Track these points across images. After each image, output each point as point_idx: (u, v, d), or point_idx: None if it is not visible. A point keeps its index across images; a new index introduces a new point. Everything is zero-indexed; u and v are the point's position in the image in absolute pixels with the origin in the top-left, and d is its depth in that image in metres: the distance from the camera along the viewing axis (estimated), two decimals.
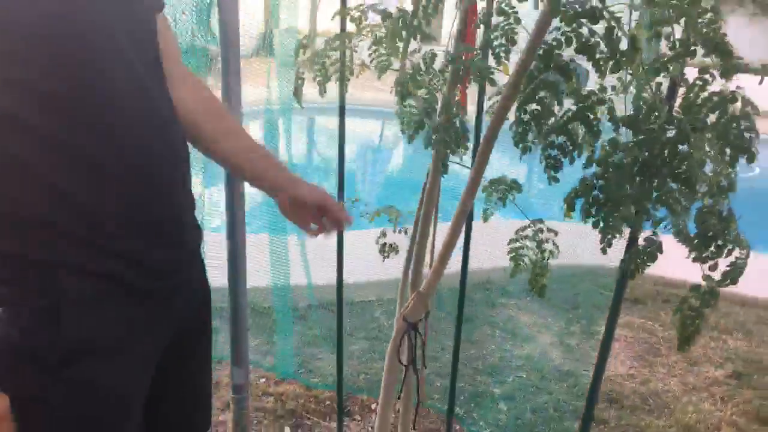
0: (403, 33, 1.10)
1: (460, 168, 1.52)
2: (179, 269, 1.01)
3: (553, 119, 0.95)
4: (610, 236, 1.06)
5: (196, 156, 1.11)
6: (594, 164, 0.99)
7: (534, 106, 0.93)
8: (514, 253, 1.48)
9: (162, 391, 1.07)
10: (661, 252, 1.04)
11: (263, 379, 2.50)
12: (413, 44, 1.30)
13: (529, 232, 1.47)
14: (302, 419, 2.29)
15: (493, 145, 1.27)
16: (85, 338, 0.89)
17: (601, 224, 1.04)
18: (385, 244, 1.55)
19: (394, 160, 7.31)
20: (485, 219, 1.60)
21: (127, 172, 0.88)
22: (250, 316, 2.82)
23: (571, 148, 0.98)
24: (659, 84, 0.99)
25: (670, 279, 3.56)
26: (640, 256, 1.03)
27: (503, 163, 1.99)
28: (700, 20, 0.89)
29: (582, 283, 3.55)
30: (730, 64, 0.87)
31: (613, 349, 2.94)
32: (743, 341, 3.06)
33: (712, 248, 1.00)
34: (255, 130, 2.08)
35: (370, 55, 1.42)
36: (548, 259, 1.48)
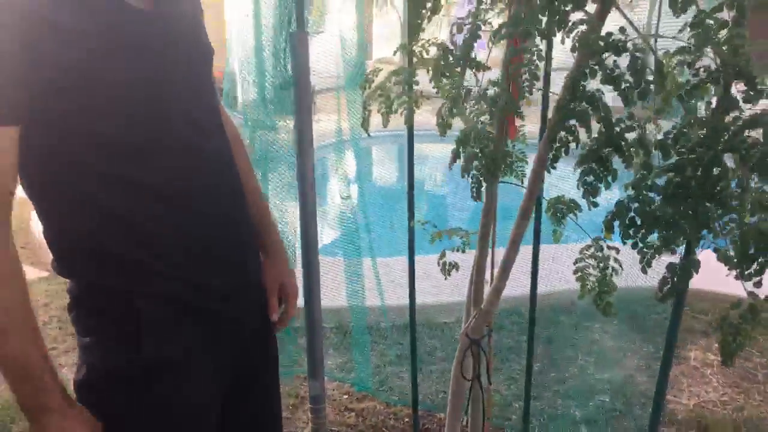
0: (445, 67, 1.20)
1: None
2: (243, 292, 1.14)
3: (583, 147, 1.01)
4: (648, 257, 1.10)
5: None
6: (629, 188, 1.04)
7: (563, 134, 1.00)
8: (580, 273, 1.52)
9: (232, 412, 1.19)
10: (697, 270, 1.06)
11: (345, 396, 2.63)
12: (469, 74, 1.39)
13: (592, 251, 1.50)
14: None
15: (544, 168, 1.33)
16: (163, 357, 1.02)
17: (640, 244, 1.08)
18: (445, 263, 1.63)
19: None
20: (556, 240, 1.65)
21: (193, 210, 1.02)
22: (333, 334, 2.97)
23: (605, 173, 1.03)
24: (696, 105, 1.03)
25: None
26: (675, 273, 1.05)
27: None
28: (725, 47, 0.93)
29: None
30: (755, 89, 0.90)
31: (705, 374, 2.84)
32: None
33: (755, 266, 1.01)
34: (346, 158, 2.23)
35: (432, 86, 1.53)
36: (611, 276, 1.51)
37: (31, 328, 0.92)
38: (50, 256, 1.02)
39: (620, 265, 1.48)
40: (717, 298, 3.43)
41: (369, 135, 1.74)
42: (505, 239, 1.52)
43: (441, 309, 3.23)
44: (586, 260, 1.51)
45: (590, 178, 1.05)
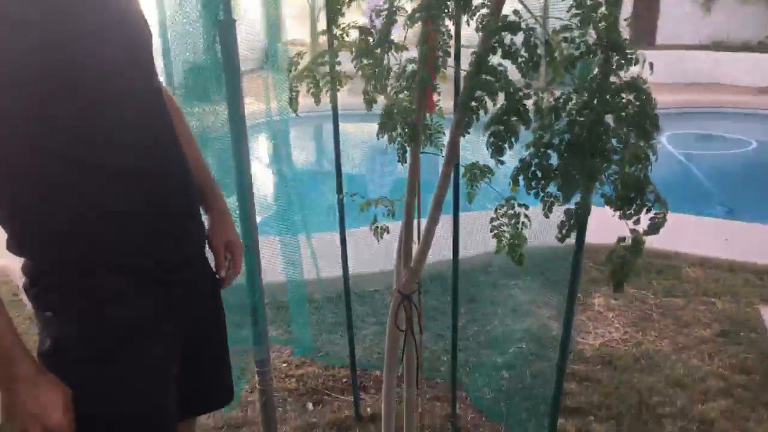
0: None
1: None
2: (192, 263, 1.24)
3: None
4: (549, 204, 1.30)
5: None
6: (530, 147, 1.23)
7: (473, 103, 1.17)
8: (495, 231, 1.71)
9: (189, 370, 1.27)
10: (588, 213, 1.27)
11: (284, 364, 2.76)
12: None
13: (505, 210, 1.70)
14: (322, 395, 2.54)
15: (459, 135, 1.51)
16: (127, 324, 1.10)
17: (541, 194, 1.28)
18: (377, 227, 1.80)
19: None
20: (469, 200, 1.84)
21: (145, 185, 1.10)
22: (271, 308, 3.08)
23: (508, 135, 1.22)
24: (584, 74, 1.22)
25: (661, 250, 3.76)
26: (572, 217, 1.26)
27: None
28: (600, 24, 1.13)
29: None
30: (626, 58, 1.10)
31: (607, 317, 3.16)
32: (731, 303, 3.26)
33: (633, 207, 1.24)
34: (263, 141, 2.33)
35: (354, 66, 1.66)
36: (521, 230, 1.71)
37: None
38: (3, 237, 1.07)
39: (529, 220, 1.70)
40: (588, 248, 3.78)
41: (297, 115, 1.86)
42: (428, 209, 1.70)
43: (370, 278, 3.41)
44: (500, 219, 1.71)
45: (497, 141, 1.23)
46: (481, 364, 2.78)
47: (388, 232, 1.80)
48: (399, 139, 1.42)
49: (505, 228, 1.70)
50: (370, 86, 1.38)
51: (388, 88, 1.55)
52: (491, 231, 1.70)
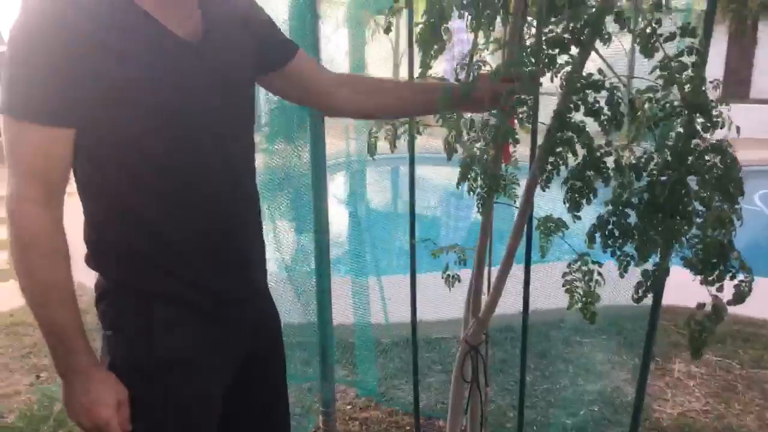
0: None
1: None
2: (247, 301, 1.25)
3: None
4: (625, 264, 1.27)
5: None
6: (608, 204, 1.22)
7: (552, 158, 1.18)
8: (568, 286, 1.68)
9: (240, 410, 1.29)
10: (666, 275, 1.23)
11: (349, 406, 2.76)
12: None
13: (578, 265, 1.67)
14: None
15: (534, 187, 1.51)
16: (173, 353, 1.13)
17: (618, 253, 1.25)
18: (449, 275, 1.80)
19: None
20: (542, 255, 1.82)
21: (208, 224, 1.14)
22: (338, 349, 3.11)
23: (587, 191, 1.21)
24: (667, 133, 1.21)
25: (749, 318, 3.54)
26: (649, 278, 1.22)
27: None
28: (686, 86, 1.12)
29: (660, 322, 3.58)
30: (711, 121, 1.08)
31: (688, 385, 2.99)
32: None
33: (716, 272, 1.19)
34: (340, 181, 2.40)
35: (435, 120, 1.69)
36: (595, 287, 1.67)
37: (71, 299, 1.04)
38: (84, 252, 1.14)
39: (602, 278, 1.65)
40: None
41: (374, 159, 1.92)
42: (499, 259, 1.69)
43: (439, 326, 3.38)
44: (574, 274, 1.68)
45: (575, 195, 1.22)
46: (549, 423, 2.68)
47: (459, 281, 1.80)
48: (479, 189, 1.44)
49: (578, 284, 1.66)
50: (451, 137, 1.41)
51: (465, 138, 1.57)
52: (563, 285, 1.67)
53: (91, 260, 1.15)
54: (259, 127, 2.20)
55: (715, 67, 12.74)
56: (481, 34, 1.44)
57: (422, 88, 1.45)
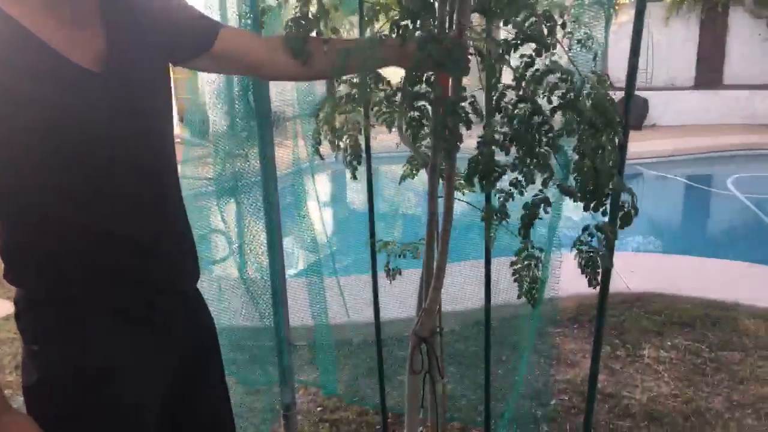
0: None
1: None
2: (177, 307, 1.24)
3: None
4: (503, 200, 1.31)
5: None
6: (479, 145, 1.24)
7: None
8: (516, 275, 1.69)
9: (181, 414, 1.28)
10: (550, 204, 1.26)
11: (319, 408, 2.76)
12: None
13: (524, 253, 1.68)
14: None
15: (437, 164, 1.53)
16: (108, 360, 1.12)
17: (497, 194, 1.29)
18: (389, 269, 1.81)
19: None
20: (488, 245, 1.84)
21: (135, 235, 1.13)
22: (303, 350, 3.11)
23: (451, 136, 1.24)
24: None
25: (718, 300, 3.57)
26: (527, 209, 1.25)
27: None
28: (526, 23, 1.14)
29: (630, 310, 3.62)
30: (544, 44, 1.11)
31: (657, 370, 3.02)
32: None
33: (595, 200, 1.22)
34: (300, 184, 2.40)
35: (375, 113, 1.71)
36: (538, 272, 1.68)
37: None
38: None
39: (541, 262, 1.66)
40: (667, 300, 3.64)
41: (322, 158, 1.92)
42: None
43: (408, 323, 3.38)
44: (521, 263, 1.69)
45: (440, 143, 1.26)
46: (520, 416, 2.69)
47: (400, 274, 1.80)
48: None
49: (524, 272, 1.68)
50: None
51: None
52: (512, 275, 1.69)
53: (11, 275, 1.11)
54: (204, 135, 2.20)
55: (688, 54, 12.88)
56: None
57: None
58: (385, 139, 1.99)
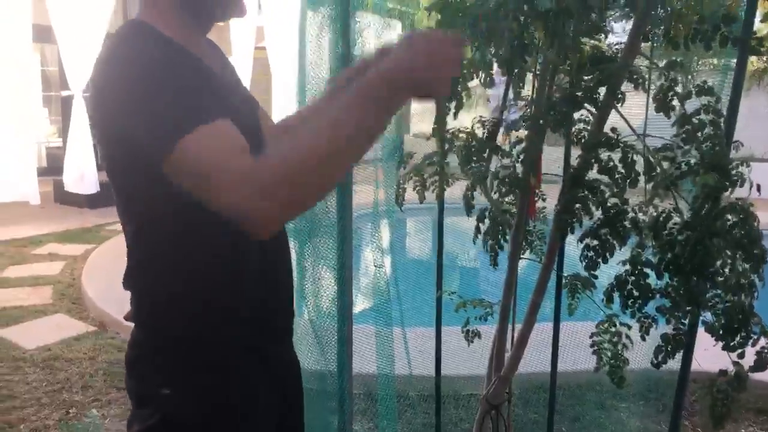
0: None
1: None
2: (290, 340, 1.28)
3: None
4: (647, 325, 1.23)
5: None
6: (626, 263, 1.19)
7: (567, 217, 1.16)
8: (595, 347, 1.63)
9: None
10: (691, 340, 1.18)
11: None
12: None
13: (606, 326, 1.62)
14: None
15: (556, 245, 1.48)
16: (246, 402, 1.11)
17: (637, 314, 1.21)
18: (468, 330, 1.77)
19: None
20: (570, 313, 1.78)
21: (265, 283, 1.16)
22: (361, 400, 3.06)
23: (603, 250, 1.18)
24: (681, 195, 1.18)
25: None
26: (669, 343, 1.18)
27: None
28: (704, 144, 1.10)
29: (702, 389, 3.42)
30: (729, 180, 1.06)
31: None
32: None
33: (738, 338, 1.14)
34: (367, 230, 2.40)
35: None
36: (622, 350, 1.61)
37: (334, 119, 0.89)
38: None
39: (631, 341, 1.59)
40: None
41: (401, 209, 1.92)
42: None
43: (468, 381, 3.30)
44: (602, 335, 1.62)
45: (590, 254, 1.20)
46: None
47: (479, 337, 1.76)
48: (491, 241, 1.43)
49: (605, 345, 1.61)
50: (473, 191, 1.41)
51: (492, 192, 1.57)
52: (591, 346, 1.62)
53: (150, 317, 1.10)
54: None
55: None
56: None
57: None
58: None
